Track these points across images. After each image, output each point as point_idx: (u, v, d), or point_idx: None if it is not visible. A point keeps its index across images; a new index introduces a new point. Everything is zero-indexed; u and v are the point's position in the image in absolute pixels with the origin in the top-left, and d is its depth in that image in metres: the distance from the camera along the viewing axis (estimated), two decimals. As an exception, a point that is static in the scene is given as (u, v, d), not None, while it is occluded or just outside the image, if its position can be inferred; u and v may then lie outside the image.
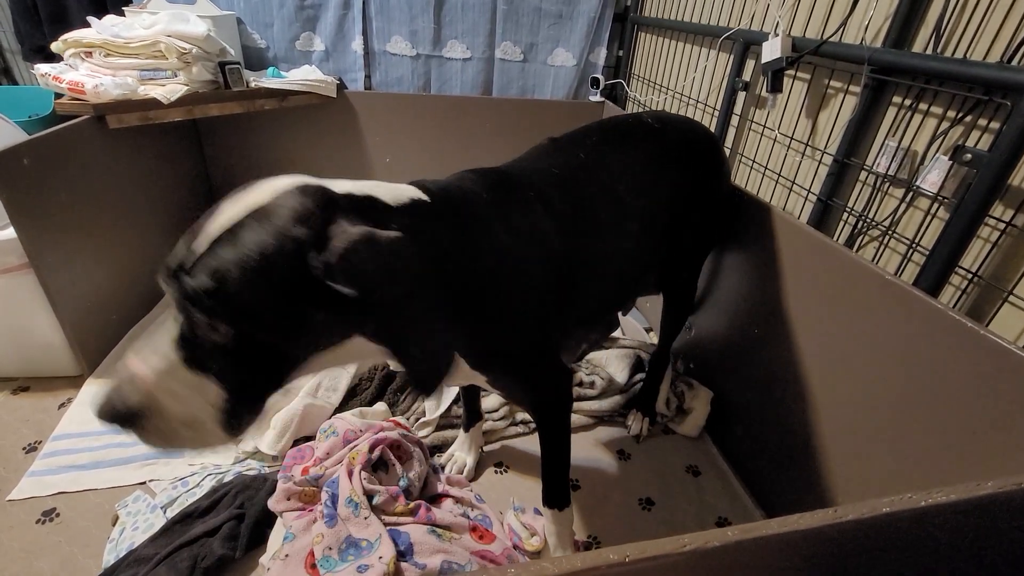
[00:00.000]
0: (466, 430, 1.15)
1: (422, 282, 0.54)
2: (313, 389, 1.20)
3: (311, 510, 0.93)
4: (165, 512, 1.02)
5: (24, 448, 1.15)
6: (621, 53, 2.25)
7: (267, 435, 1.14)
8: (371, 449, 0.97)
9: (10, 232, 1.13)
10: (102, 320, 1.42)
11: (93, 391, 1.30)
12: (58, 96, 1.45)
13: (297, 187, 0.53)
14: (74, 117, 1.37)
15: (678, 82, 1.83)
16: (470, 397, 1.12)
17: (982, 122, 0.87)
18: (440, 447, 1.20)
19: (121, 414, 0.48)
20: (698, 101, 1.71)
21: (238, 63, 1.70)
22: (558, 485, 0.92)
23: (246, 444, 1.14)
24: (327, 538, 0.83)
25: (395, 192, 0.61)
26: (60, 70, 1.45)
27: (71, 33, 1.47)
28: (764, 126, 1.40)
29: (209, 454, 0.47)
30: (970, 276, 0.88)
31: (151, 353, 0.50)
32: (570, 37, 2.18)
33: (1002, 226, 0.84)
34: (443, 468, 1.14)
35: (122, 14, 1.66)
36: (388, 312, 0.51)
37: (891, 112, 1.04)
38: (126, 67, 1.48)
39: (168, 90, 1.51)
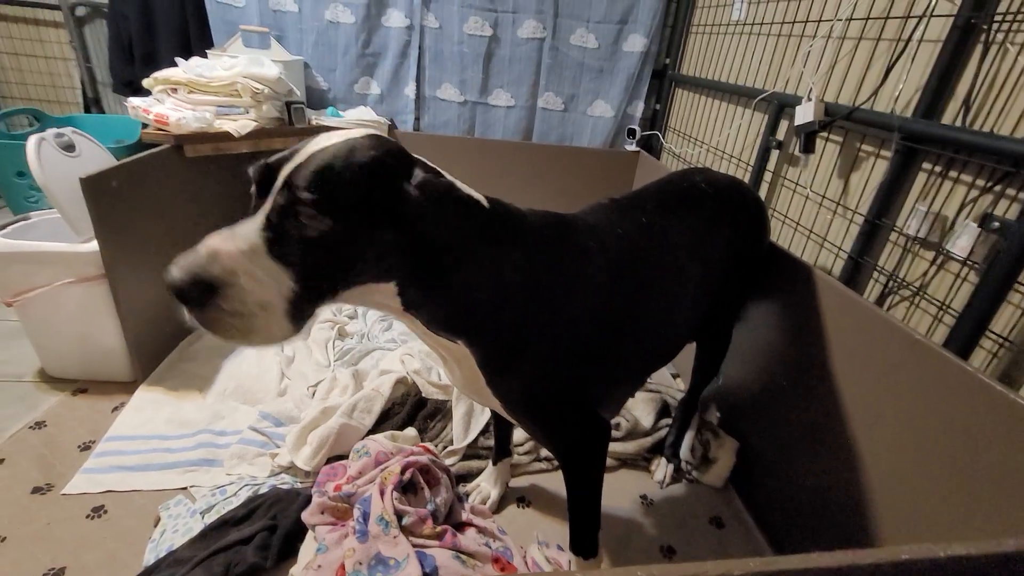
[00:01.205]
0: (494, 463, 1.18)
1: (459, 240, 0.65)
2: (349, 410, 1.25)
3: (343, 525, 0.97)
4: (203, 517, 1.07)
5: (79, 446, 1.23)
6: (658, 107, 2.35)
7: (303, 451, 1.19)
8: (403, 471, 1.01)
9: (92, 245, 1.25)
10: (159, 332, 1.52)
11: (145, 397, 1.39)
12: (144, 126, 1.61)
13: (381, 135, 0.65)
14: (155, 145, 1.52)
15: (712, 137, 1.90)
16: (502, 431, 1.15)
17: (1011, 191, 0.90)
18: (465, 476, 1.22)
19: (200, 281, 0.51)
20: (732, 156, 1.77)
21: (303, 103, 1.85)
22: (585, 534, 0.90)
23: (282, 458, 1.20)
24: (358, 553, 0.86)
25: (455, 180, 0.70)
26: (149, 103, 1.61)
27: (161, 72, 1.65)
28: (797, 183, 1.45)
29: (267, 342, 0.53)
30: (1001, 341, 0.89)
31: (235, 236, 0.55)
32: (609, 90, 2.30)
33: (1034, 294, 0.86)
34: (467, 497, 1.16)
35: (205, 56, 1.85)
36: (426, 245, 0.62)
37: (921, 177, 1.08)
38: (205, 103, 1.64)
39: (240, 125, 1.66)
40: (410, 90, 2.24)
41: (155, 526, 1.05)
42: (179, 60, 1.70)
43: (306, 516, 1.02)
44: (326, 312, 1.76)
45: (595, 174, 2.24)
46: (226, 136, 1.65)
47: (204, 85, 1.64)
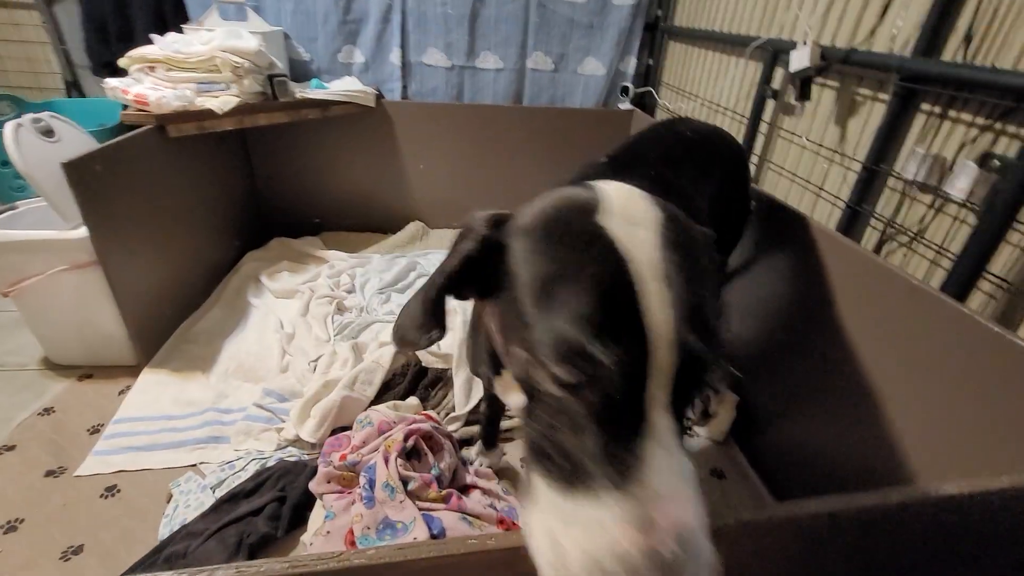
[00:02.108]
0: (486, 448, 1.15)
1: None
2: (350, 382, 1.26)
3: (349, 493, 0.99)
4: (214, 492, 1.09)
5: (88, 429, 1.25)
6: (651, 62, 2.28)
7: (307, 424, 1.20)
8: (406, 438, 1.03)
9: (83, 231, 1.24)
10: (158, 314, 1.52)
11: (150, 379, 1.40)
12: (124, 107, 1.58)
13: (651, 196, 0.44)
14: (138, 127, 1.49)
15: (707, 90, 1.85)
16: (496, 416, 1.09)
17: (1011, 129, 0.87)
18: (468, 441, 1.24)
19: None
20: (727, 109, 1.72)
21: (285, 75, 1.81)
22: None
23: (287, 432, 1.22)
24: (366, 518, 0.88)
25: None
26: (127, 84, 1.57)
27: (136, 50, 1.60)
28: (793, 134, 1.41)
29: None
30: (999, 282, 0.88)
31: (670, 478, 0.34)
32: (600, 47, 2.23)
33: (1033, 232, 0.84)
34: (472, 462, 1.18)
35: (182, 31, 1.79)
36: None
37: (920, 119, 1.05)
38: (185, 80, 1.60)
39: (222, 101, 1.62)
40: (395, 57, 2.18)
41: (168, 502, 1.08)
42: (154, 37, 1.65)
43: (313, 486, 1.04)
44: (323, 288, 1.76)
45: (589, 135, 2.19)
46: (209, 114, 1.61)
47: (182, 62, 1.60)
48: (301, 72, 2.18)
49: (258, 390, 1.35)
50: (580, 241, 0.38)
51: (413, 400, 1.28)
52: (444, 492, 0.99)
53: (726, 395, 1.32)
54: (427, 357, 1.39)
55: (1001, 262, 0.88)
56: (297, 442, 1.21)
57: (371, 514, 0.90)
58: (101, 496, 1.09)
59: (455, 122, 2.11)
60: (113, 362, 1.44)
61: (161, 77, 1.59)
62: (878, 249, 1.13)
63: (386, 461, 0.99)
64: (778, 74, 1.47)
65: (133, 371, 1.43)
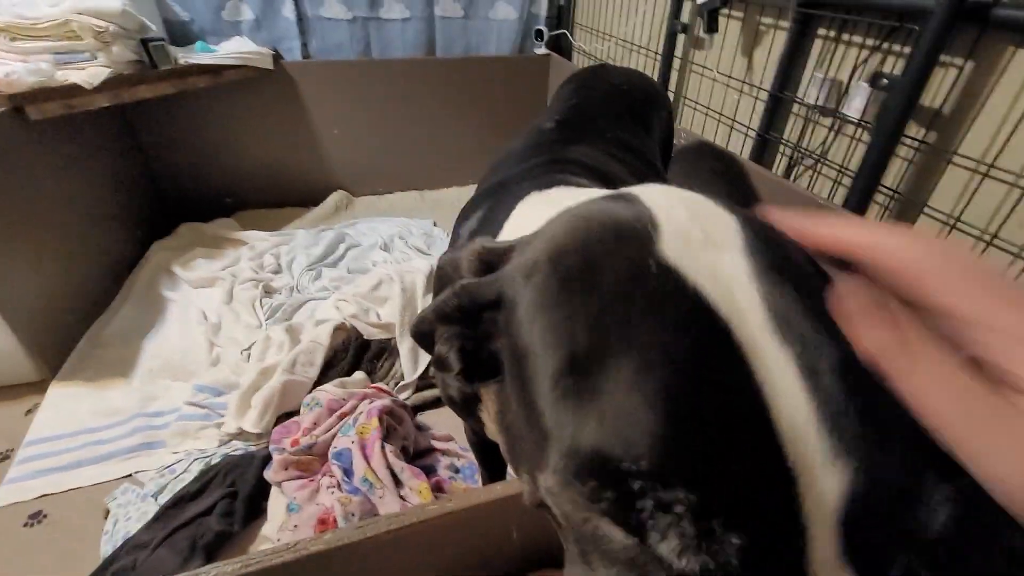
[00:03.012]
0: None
1: None
2: (289, 366, 1.21)
3: (311, 480, 0.97)
4: (156, 499, 1.03)
5: (-4, 457, 1.13)
6: (563, 2, 2.23)
7: (249, 414, 1.15)
8: (380, 421, 1.01)
9: (-58, 239, 1.08)
10: (58, 322, 1.37)
11: (60, 393, 1.28)
12: (-34, 89, 1.34)
13: (716, 199, 0.29)
14: (-11, 110, 1.28)
15: (620, 28, 1.83)
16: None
17: (897, 48, 0.93)
18: (421, 407, 1.24)
19: None
20: (641, 47, 1.72)
21: (162, 39, 1.61)
22: None
23: (229, 426, 1.16)
24: (353, 504, 0.86)
25: None
26: (-36, 60, 1.34)
27: (-32, 18, 1.35)
28: (704, 67, 1.44)
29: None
30: (891, 194, 0.96)
31: None
32: (509, -11, 2.14)
33: (917, 144, 0.92)
34: (429, 429, 1.18)
35: (23, -7, 1.53)
36: None
37: (818, 44, 1.09)
38: (38, 51, 1.38)
39: (90, 74, 1.42)
40: (289, 11, 1.99)
41: (106, 518, 1.01)
42: (-12, 0, 1.40)
43: (271, 475, 1.01)
44: (246, 271, 1.65)
45: (508, 83, 2.13)
46: (76, 90, 1.41)
47: (29, 28, 1.37)
48: (181, 34, 1.94)
49: (189, 387, 1.26)
50: (632, 287, 0.22)
51: (359, 375, 1.25)
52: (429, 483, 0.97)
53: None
54: (368, 329, 1.35)
55: (892, 175, 0.96)
56: (241, 435, 1.15)
57: (358, 504, 0.88)
58: (25, 525, 1.00)
59: (366, 79, 1.98)
60: (13, 380, 1.29)
61: (5, 48, 1.36)
62: (788, 173, 1.19)
63: (363, 449, 0.97)
64: (687, 8, 1.48)
65: (39, 387, 1.29)
